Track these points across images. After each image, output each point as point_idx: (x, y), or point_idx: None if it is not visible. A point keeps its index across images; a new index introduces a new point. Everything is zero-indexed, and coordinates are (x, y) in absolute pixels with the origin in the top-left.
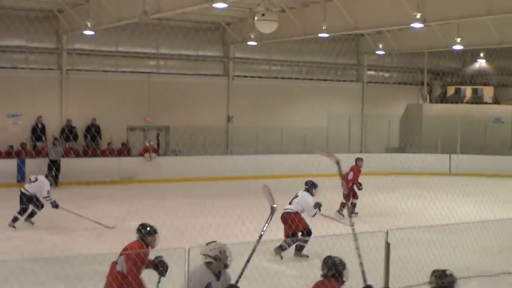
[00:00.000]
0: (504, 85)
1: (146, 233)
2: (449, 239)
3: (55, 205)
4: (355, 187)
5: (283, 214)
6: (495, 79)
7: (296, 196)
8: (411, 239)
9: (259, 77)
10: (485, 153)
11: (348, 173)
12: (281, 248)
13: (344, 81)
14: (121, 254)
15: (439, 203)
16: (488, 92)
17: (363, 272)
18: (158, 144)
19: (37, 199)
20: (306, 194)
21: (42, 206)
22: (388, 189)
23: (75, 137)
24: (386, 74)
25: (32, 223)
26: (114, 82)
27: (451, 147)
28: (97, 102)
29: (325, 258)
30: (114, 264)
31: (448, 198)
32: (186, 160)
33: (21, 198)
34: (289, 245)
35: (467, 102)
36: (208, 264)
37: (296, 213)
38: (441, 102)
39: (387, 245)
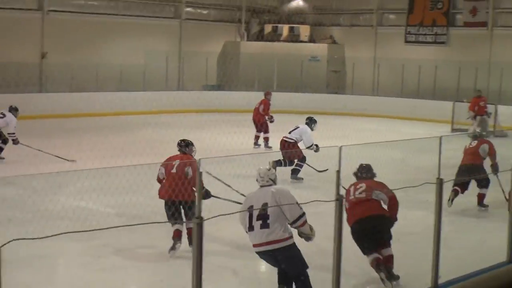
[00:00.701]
0: (320, 24)
1: (186, 145)
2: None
3: (16, 142)
4: (266, 120)
5: (282, 140)
6: (311, 18)
7: (297, 127)
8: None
9: (75, 12)
10: (301, 91)
11: (258, 107)
12: (277, 163)
13: (162, 17)
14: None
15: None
16: (304, 30)
17: None
18: None
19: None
20: (307, 127)
21: (7, 141)
22: (206, 126)
23: None
24: (204, 12)
25: (3, 159)
26: None
27: (268, 85)
28: None
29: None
30: (170, 169)
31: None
32: None
33: None
34: (285, 165)
35: (284, 41)
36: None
37: (295, 143)
38: (259, 40)
39: (199, 174)
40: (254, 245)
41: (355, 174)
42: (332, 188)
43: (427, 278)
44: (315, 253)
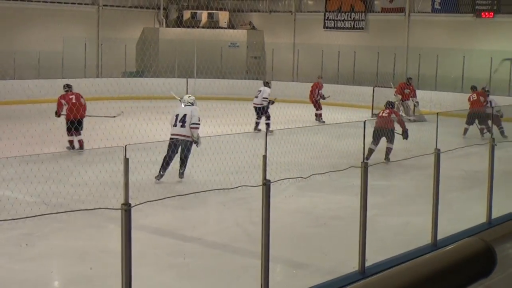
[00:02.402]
0: (239, 10)
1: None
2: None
3: None
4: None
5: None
6: (230, 4)
7: (260, 91)
8: (150, 161)
9: None
10: (221, 77)
11: (313, 89)
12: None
13: (80, 4)
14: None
15: None
16: (223, 17)
17: None
18: None
19: None
20: (266, 88)
21: None
22: (126, 113)
23: None
24: None
25: None
26: None
27: (188, 71)
28: None
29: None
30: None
31: None
32: None
33: None
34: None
35: (203, 27)
36: None
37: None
38: (178, 26)
39: (126, 161)
40: (172, 134)
41: (385, 105)
42: (255, 173)
43: (354, 261)
44: (242, 238)
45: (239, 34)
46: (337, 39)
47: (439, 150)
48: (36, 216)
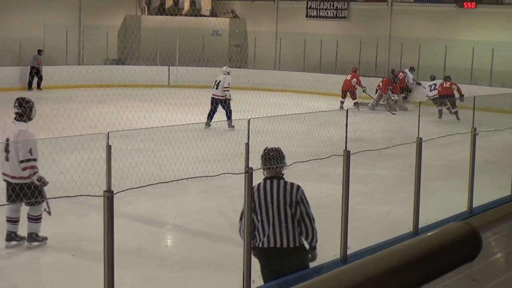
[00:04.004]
0: None
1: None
2: (168, 148)
3: None
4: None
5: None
6: None
7: (218, 81)
8: (132, 149)
9: None
10: (203, 65)
11: (351, 79)
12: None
13: None
14: None
15: (160, 113)
16: (206, 4)
17: None
18: None
19: None
20: (227, 76)
21: None
22: (108, 101)
23: None
24: None
25: None
26: None
27: (170, 59)
28: None
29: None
30: None
31: (169, 108)
32: None
33: None
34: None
35: (185, 15)
36: None
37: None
38: (160, 14)
39: (108, 148)
40: (212, 95)
41: (444, 77)
42: (238, 161)
43: (336, 249)
44: (225, 226)
45: (222, 22)
46: (319, 28)
47: (421, 139)
48: (17, 202)
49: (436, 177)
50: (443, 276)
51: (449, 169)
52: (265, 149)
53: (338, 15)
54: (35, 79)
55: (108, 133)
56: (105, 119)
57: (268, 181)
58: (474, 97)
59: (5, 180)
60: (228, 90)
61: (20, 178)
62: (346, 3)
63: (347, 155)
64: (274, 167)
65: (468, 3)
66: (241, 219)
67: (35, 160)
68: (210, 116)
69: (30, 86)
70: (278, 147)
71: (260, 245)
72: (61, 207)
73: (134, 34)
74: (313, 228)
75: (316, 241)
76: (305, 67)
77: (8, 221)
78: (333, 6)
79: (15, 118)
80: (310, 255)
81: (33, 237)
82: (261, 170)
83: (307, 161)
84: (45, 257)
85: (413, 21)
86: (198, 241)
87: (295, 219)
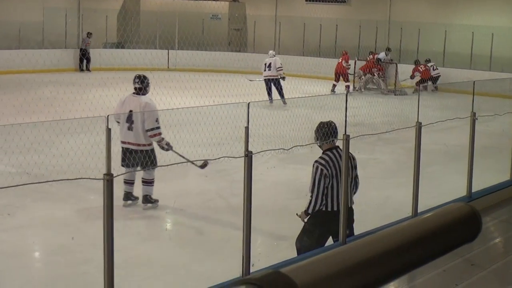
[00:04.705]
0: None
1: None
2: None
3: None
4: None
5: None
6: None
7: (269, 63)
8: None
9: None
10: (203, 49)
11: (341, 62)
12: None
13: None
14: None
15: (160, 96)
16: None
17: None
18: None
19: None
20: (276, 58)
21: None
22: (108, 84)
23: None
24: None
25: None
26: None
27: (169, 43)
28: None
29: None
30: None
31: (168, 92)
32: None
33: None
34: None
35: None
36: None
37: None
38: None
39: (108, 131)
40: (264, 76)
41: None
42: (237, 145)
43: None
44: (224, 209)
45: (221, 6)
46: (319, 12)
47: (420, 123)
48: (17, 186)
49: (436, 162)
50: (442, 260)
51: (448, 154)
52: (319, 124)
53: None
54: (84, 61)
55: (108, 116)
56: (104, 102)
57: (332, 152)
58: (474, 82)
59: (126, 148)
60: (281, 69)
61: (144, 145)
62: None
63: (346, 139)
64: (331, 140)
65: None
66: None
67: (159, 128)
68: (269, 93)
69: (81, 68)
70: (331, 121)
71: (330, 209)
72: (61, 191)
73: (133, 18)
74: (357, 187)
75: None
76: (304, 51)
77: (125, 183)
78: None
79: (134, 92)
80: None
81: (147, 198)
82: (316, 144)
83: (306, 145)
84: (45, 240)
85: (413, 5)
86: (198, 225)
87: (352, 182)
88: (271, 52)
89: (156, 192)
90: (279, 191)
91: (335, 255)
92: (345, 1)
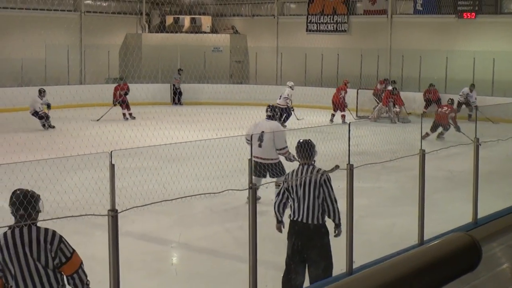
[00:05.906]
0: (222, 15)
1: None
2: (171, 166)
3: None
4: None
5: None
6: (212, 9)
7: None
8: (135, 168)
9: None
10: (205, 82)
11: (339, 92)
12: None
13: (62, 10)
14: None
15: (162, 131)
16: (206, 21)
17: None
18: None
19: None
20: (288, 88)
21: None
22: (111, 120)
23: None
24: (104, 4)
25: None
26: None
27: (171, 77)
28: None
29: None
30: None
31: (171, 126)
32: None
33: None
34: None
35: (186, 32)
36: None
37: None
38: (160, 31)
39: (112, 166)
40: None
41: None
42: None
43: (342, 263)
44: (230, 242)
45: (222, 39)
46: (320, 42)
47: (424, 150)
48: (21, 224)
49: (440, 189)
50: (448, 287)
51: (453, 180)
52: (298, 141)
53: (338, 29)
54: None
55: (111, 152)
56: (107, 138)
57: (301, 166)
58: (476, 107)
59: (255, 162)
60: (287, 99)
61: (270, 159)
62: (346, 16)
63: (350, 168)
64: (306, 156)
65: (468, 14)
66: (277, 195)
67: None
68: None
69: (173, 101)
70: (309, 139)
71: (291, 218)
72: (66, 227)
73: (135, 52)
74: (334, 208)
75: (339, 219)
76: (306, 81)
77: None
78: (333, 19)
79: (267, 117)
80: (336, 231)
81: None
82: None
83: (311, 175)
84: None
85: (413, 33)
86: (204, 258)
87: (318, 199)
88: (288, 83)
89: (161, 226)
90: (284, 222)
91: (343, 285)
92: (345, 30)
